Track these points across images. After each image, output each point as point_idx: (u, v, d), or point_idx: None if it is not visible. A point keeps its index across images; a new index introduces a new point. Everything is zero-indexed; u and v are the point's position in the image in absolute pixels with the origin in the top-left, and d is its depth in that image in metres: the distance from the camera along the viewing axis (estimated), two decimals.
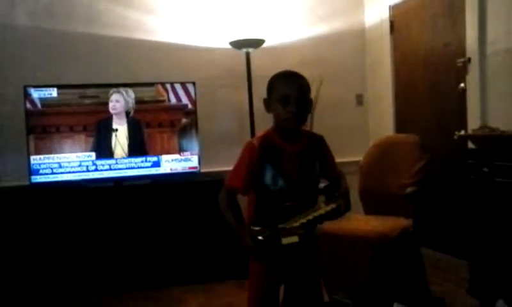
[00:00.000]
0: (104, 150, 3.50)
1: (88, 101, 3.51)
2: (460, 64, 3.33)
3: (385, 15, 4.21)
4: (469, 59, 3.26)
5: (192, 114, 3.63)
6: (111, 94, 3.51)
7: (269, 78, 1.81)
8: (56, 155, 3.41)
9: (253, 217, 1.76)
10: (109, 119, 3.51)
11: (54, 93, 3.43)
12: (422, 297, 2.63)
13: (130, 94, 3.54)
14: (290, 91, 1.67)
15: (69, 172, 3.43)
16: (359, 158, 3.33)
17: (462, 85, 3.35)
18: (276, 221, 1.62)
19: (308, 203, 1.72)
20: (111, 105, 3.51)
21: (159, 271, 3.41)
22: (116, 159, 3.51)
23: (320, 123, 4.24)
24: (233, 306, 3.00)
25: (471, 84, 3.27)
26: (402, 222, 2.68)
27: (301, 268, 1.82)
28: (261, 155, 1.69)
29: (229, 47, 3.90)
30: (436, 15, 3.65)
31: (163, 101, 3.63)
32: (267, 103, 1.76)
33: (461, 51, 3.34)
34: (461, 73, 3.34)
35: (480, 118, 3.16)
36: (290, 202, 1.69)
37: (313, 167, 1.76)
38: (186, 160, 3.64)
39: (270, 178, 1.69)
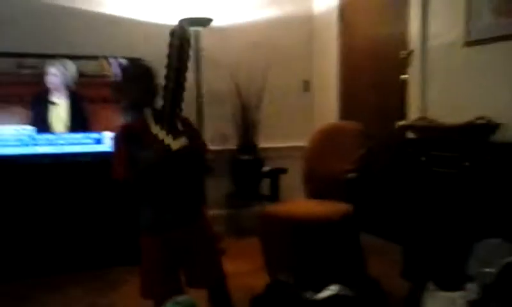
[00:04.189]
0: (42, 124, 3.34)
1: (25, 71, 3.32)
2: (403, 56, 3.44)
3: (334, 2, 4.27)
4: (411, 52, 3.38)
5: None
6: (48, 68, 3.34)
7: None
8: None
9: None
10: (47, 91, 3.34)
11: None
12: (358, 279, 2.73)
13: (70, 67, 3.39)
14: None
15: (5, 145, 3.25)
16: (304, 143, 3.38)
17: (404, 76, 3.46)
18: None
19: None
20: (47, 78, 3.34)
21: (100, 251, 3.34)
22: (56, 134, 3.36)
23: (267, 107, 4.29)
24: None
25: (413, 75, 3.39)
26: (343, 206, 2.76)
27: (189, 238, 1.99)
28: None
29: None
30: (382, 6, 3.74)
31: (108, 76, 3.51)
32: None
33: (405, 43, 3.45)
34: (404, 65, 3.45)
35: (420, 109, 3.30)
36: None
37: None
38: None
39: None
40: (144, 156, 1.83)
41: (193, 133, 2.03)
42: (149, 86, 1.95)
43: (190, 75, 3.79)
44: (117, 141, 1.99)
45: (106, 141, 3.47)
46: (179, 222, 1.97)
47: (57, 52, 3.45)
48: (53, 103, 3.36)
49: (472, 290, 1.97)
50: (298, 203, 2.98)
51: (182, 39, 1.81)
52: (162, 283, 1.99)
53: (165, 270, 2.00)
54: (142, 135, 1.87)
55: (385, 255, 3.44)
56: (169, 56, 1.82)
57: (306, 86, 4.64)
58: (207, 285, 2.09)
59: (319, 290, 2.19)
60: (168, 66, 1.83)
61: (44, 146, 3.32)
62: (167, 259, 2.00)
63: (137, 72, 1.95)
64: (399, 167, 3.05)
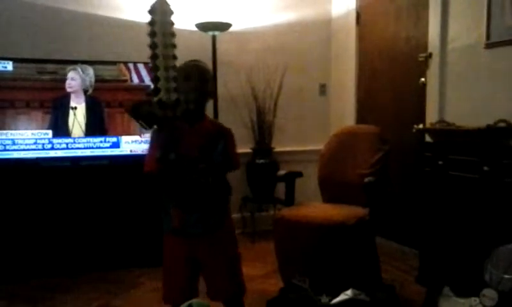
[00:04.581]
0: (61, 128, 3.40)
1: (45, 77, 3.39)
2: (422, 59, 3.40)
3: (352, 5, 4.25)
4: (430, 55, 3.34)
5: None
6: (68, 72, 3.40)
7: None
8: (9, 131, 3.29)
9: None
10: (67, 96, 3.40)
11: (9, 66, 3.29)
12: (373, 284, 2.70)
13: (89, 72, 3.44)
14: None
15: (23, 149, 3.32)
16: (320, 147, 3.36)
17: (422, 79, 3.43)
18: None
19: None
20: (66, 82, 3.40)
21: (115, 253, 3.37)
22: (74, 138, 3.42)
23: (283, 111, 4.29)
24: None
25: (431, 79, 3.35)
26: (358, 211, 2.73)
27: (211, 244, 1.99)
28: None
29: (195, 29, 3.84)
30: (400, 9, 3.71)
31: (125, 80, 3.55)
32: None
33: (423, 46, 3.41)
34: (422, 68, 3.42)
35: (439, 112, 3.25)
36: None
37: None
38: (147, 142, 3.57)
39: None
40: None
41: (223, 147, 1.98)
42: (197, 86, 1.94)
43: None
44: (152, 136, 2.01)
45: (123, 145, 3.51)
46: (202, 228, 1.96)
47: (76, 57, 3.50)
48: (72, 108, 3.42)
49: (488, 296, 1.93)
50: (313, 207, 2.96)
51: (151, 23, 1.74)
52: (180, 287, 1.99)
53: (185, 273, 2.00)
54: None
55: (401, 260, 3.41)
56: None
57: (323, 89, 4.63)
58: (224, 298, 2.07)
59: (334, 295, 2.18)
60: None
61: (62, 149, 3.38)
62: (187, 262, 1.99)
63: (186, 71, 1.93)
64: (416, 171, 3.02)
